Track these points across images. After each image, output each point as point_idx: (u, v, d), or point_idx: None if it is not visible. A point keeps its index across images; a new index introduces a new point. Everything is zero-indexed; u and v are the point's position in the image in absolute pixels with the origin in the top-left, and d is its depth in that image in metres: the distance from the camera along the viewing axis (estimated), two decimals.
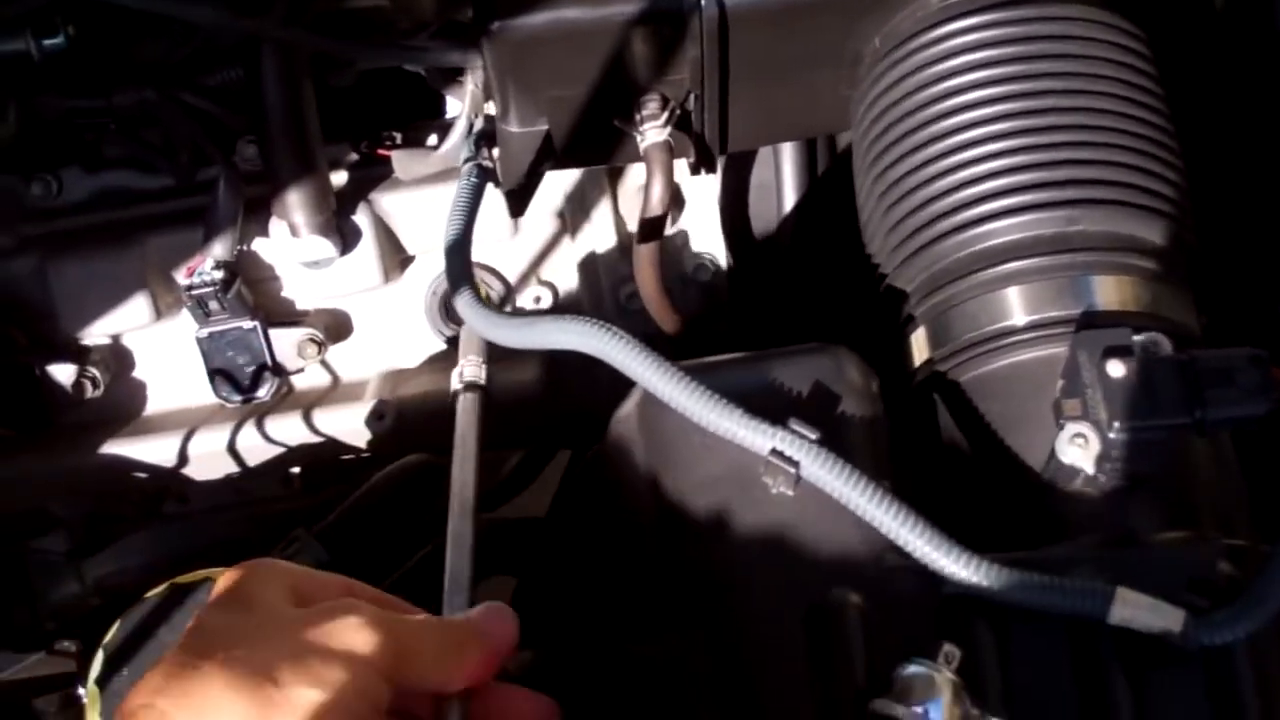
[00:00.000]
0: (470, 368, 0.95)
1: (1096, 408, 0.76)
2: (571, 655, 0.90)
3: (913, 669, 0.69)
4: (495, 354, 0.97)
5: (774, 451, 0.75)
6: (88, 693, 0.91)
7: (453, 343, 1.28)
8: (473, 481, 0.86)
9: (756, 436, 0.75)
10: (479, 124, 1.11)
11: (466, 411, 0.92)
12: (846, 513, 0.74)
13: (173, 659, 0.60)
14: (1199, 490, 0.83)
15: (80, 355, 1.27)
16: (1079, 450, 0.77)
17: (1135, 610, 0.70)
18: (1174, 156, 0.91)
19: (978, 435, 0.86)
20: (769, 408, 0.76)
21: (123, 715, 0.59)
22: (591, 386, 1.11)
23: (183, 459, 1.26)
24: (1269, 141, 1.01)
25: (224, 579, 0.66)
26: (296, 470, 1.32)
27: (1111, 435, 0.76)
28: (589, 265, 1.29)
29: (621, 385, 0.87)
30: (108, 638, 0.92)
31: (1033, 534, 0.80)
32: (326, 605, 0.64)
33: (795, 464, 0.74)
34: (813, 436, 0.75)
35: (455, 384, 0.95)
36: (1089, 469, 0.77)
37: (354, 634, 0.61)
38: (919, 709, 0.68)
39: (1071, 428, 0.77)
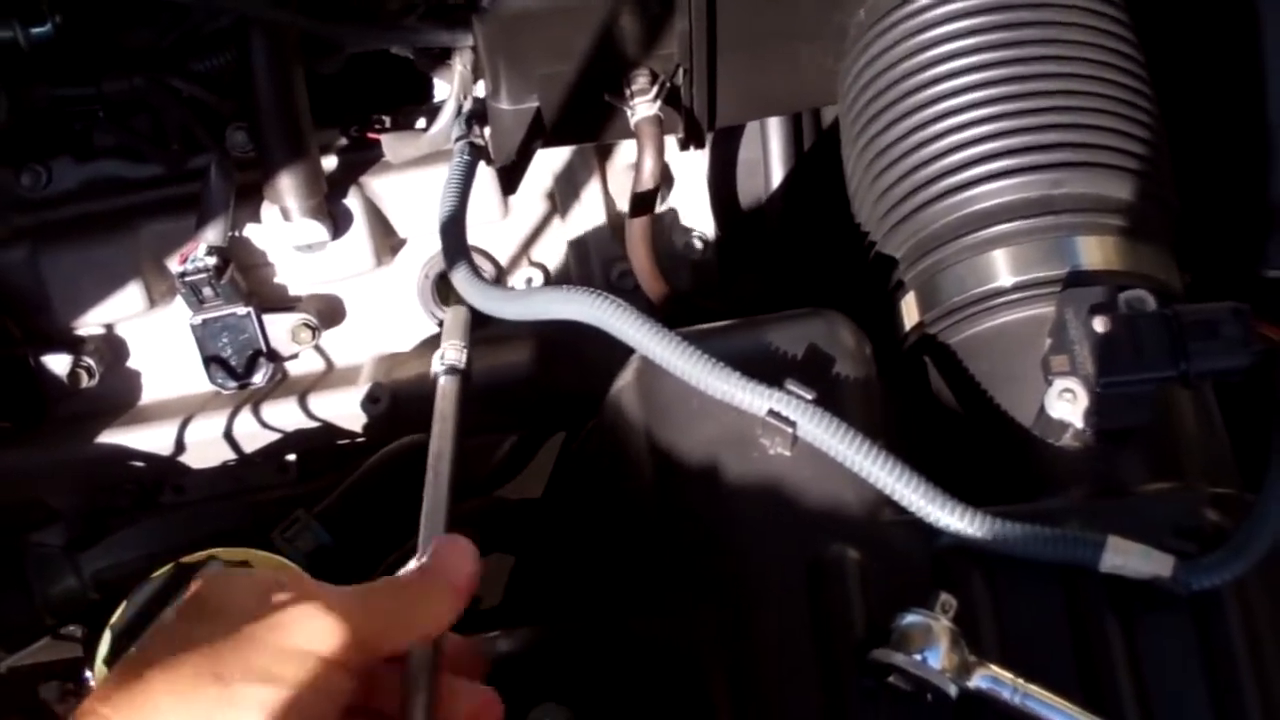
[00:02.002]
0: (451, 351, 0.94)
1: (1084, 363, 0.78)
2: (572, 633, 0.91)
3: (911, 619, 0.71)
4: (485, 336, 0.96)
5: (771, 412, 0.76)
6: (95, 672, 0.92)
7: None
8: (449, 468, 0.85)
9: (754, 398, 0.77)
10: (468, 105, 1.12)
11: (446, 396, 0.91)
12: (843, 470, 0.76)
13: (122, 666, 0.59)
14: (1184, 441, 0.84)
15: (75, 345, 1.27)
16: (1067, 405, 0.79)
17: (1126, 557, 0.72)
18: (1155, 119, 0.92)
19: (968, 394, 0.88)
20: (765, 371, 0.78)
21: None
22: (583, 367, 1.12)
23: (179, 447, 1.26)
24: (1248, 102, 1.02)
25: (191, 589, 0.64)
26: (292, 458, 1.31)
27: (1099, 389, 0.77)
28: (580, 245, 1.29)
29: (613, 365, 0.88)
30: (114, 618, 0.93)
31: (1024, 488, 0.82)
32: (280, 599, 0.61)
33: (792, 424, 0.76)
34: (809, 397, 0.76)
35: (436, 367, 0.94)
36: (1077, 423, 0.79)
37: (308, 627, 0.59)
38: (918, 657, 0.69)
39: (1060, 383, 0.79)
